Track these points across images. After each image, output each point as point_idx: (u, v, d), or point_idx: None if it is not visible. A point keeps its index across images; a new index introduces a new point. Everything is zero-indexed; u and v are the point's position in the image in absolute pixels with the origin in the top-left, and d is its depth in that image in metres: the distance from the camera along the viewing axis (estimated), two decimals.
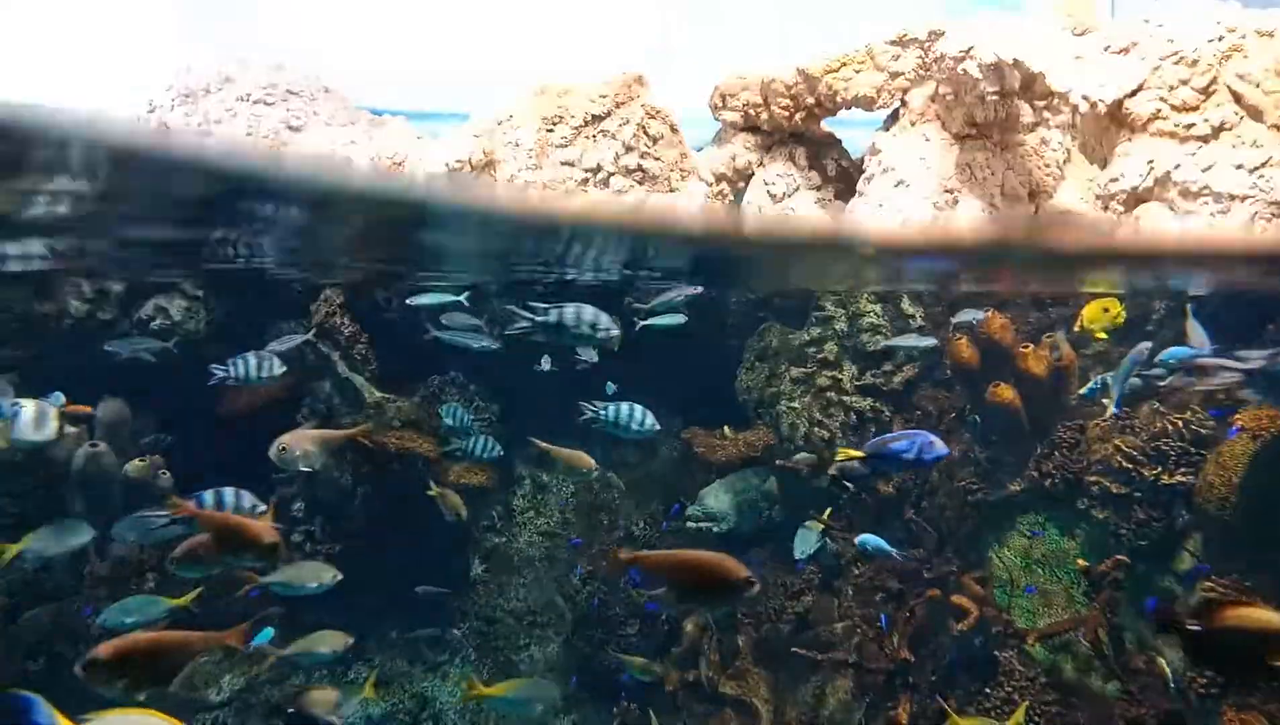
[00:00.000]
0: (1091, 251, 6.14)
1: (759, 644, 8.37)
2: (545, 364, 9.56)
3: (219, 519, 5.69)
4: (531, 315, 5.85)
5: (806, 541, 7.66)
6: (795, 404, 9.06)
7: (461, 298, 9.12)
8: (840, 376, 8.92)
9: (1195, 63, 5.55)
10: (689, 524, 9.23)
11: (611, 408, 7.15)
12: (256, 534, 5.46)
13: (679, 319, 8.67)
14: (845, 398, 8.83)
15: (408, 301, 8.96)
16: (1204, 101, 5.59)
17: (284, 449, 6.16)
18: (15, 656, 7.57)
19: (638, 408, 7.16)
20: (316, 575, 6.56)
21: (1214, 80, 5.55)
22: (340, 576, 6.78)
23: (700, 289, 8.53)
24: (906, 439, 5.90)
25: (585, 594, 9.47)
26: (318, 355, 9.16)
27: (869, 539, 7.18)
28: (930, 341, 8.22)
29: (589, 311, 5.62)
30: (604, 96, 6.79)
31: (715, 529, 9.11)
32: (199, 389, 7.61)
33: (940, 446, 5.81)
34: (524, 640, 9.81)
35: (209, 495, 6.09)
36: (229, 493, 6.03)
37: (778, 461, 8.62)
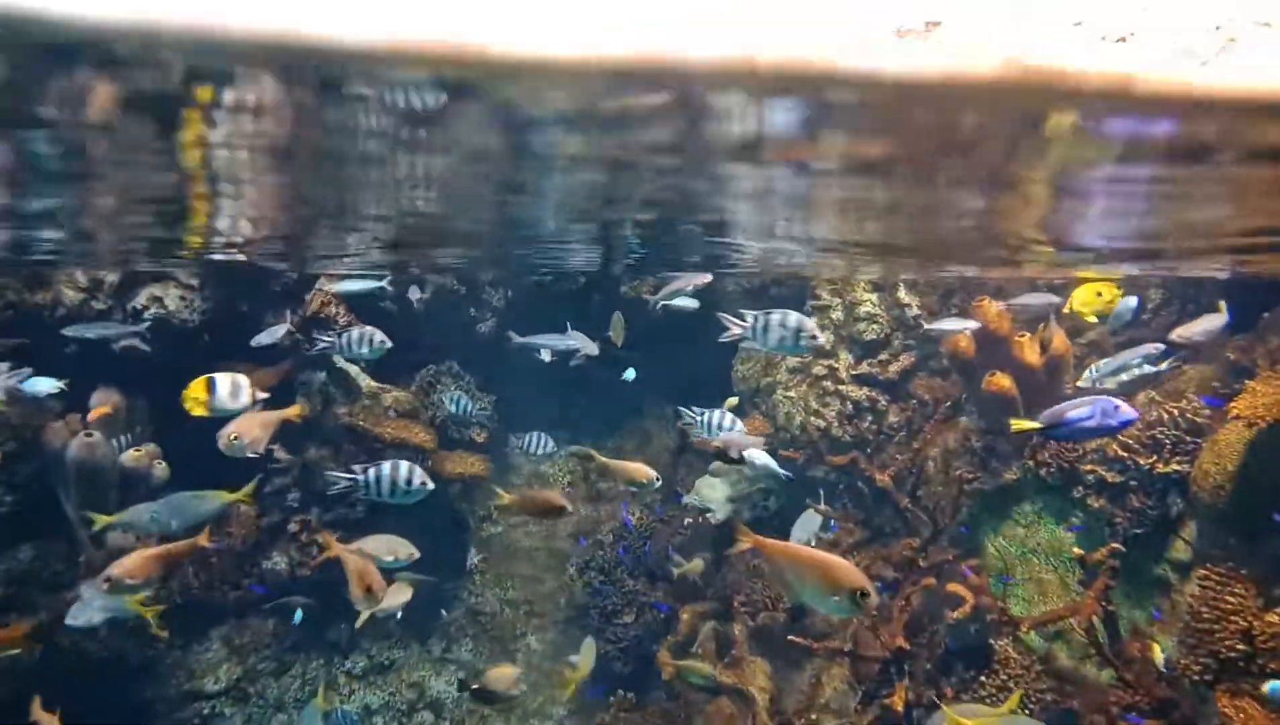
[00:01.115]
0: None
1: (755, 633, 8.38)
2: (545, 356, 9.54)
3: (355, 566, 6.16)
4: (741, 323, 5.94)
5: (808, 527, 7.62)
6: (791, 393, 9.05)
7: (383, 284, 9.02)
8: (836, 365, 8.91)
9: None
10: (685, 512, 9.24)
11: (703, 416, 7.16)
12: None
13: (693, 303, 8.64)
14: (841, 387, 8.82)
15: (333, 289, 8.85)
16: None
17: (235, 437, 6.13)
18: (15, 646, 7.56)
19: (728, 414, 7.15)
20: (394, 549, 6.60)
21: None
22: (416, 555, 6.84)
23: (710, 277, 8.48)
24: (1088, 405, 5.45)
25: (582, 584, 9.48)
26: (313, 345, 9.15)
27: (757, 457, 7.36)
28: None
29: (794, 317, 5.64)
30: None
31: (712, 518, 9.12)
32: (193, 377, 7.59)
33: (1127, 411, 5.34)
34: (521, 629, 9.83)
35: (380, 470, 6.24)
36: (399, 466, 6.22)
37: (779, 451, 8.61)
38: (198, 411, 6.26)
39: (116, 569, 5.73)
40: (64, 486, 7.98)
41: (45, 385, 7.36)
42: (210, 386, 6.17)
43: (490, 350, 10.17)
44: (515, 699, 7.08)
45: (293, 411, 6.84)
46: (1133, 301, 7.28)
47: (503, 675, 6.67)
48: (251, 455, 6.29)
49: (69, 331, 7.78)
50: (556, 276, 10.21)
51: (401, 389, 9.62)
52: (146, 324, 8.27)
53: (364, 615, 6.46)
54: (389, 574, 6.62)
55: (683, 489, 9.42)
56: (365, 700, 9.27)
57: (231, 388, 6.27)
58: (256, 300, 8.98)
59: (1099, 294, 7.04)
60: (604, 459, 7.53)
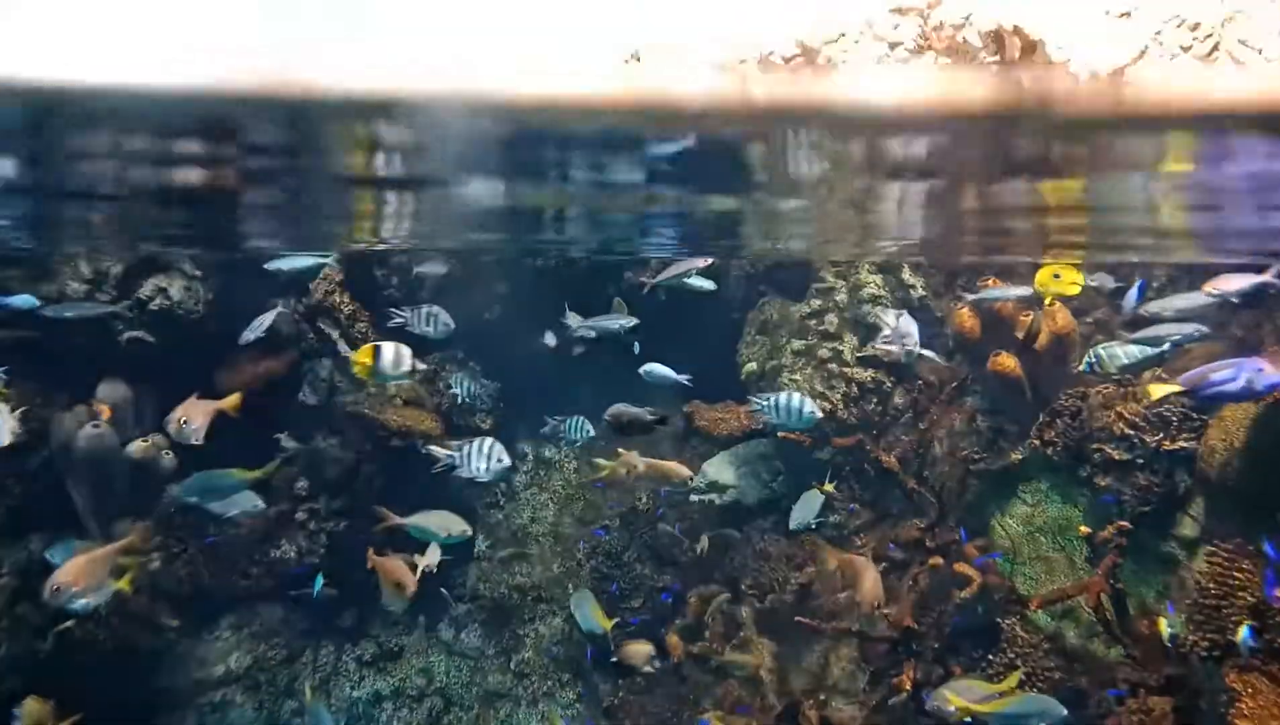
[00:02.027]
0: None
1: (763, 615, 8.40)
2: (549, 340, 9.54)
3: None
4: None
5: (808, 509, 7.57)
6: (797, 376, 9.05)
7: (329, 261, 8.88)
8: (841, 348, 8.90)
9: (1197, 26, 5.50)
10: (692, 497, 9.25)
11: (773, 398, 7.14)
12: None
13: (709, 285, 8.60)
14: (846, 369, 8.81)
15: (265, 266, 8.61)
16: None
17: (185, 421, 6.47)
18: (23, 634, 7.61)
19: (795, 396, 7.11)
20: (447, 525, 6.73)
21: (1216, 46, 5.50)
22: (469, 532, 6.95)
23: (712, 260, 8.43)
24: (1231, 367, 5.23)
25: (590, 568, 9.50)
26: (318, 333, 9.16)
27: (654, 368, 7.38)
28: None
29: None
30: None
31: (718, 501, 9.14)
32: (199, 367, 7.62)
33: (1273, 373, 5.13)
34: (529, 615, 9.85)
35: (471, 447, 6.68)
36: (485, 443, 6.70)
37: (780, 433, 8.61)
38: (363, 376, 6.77)
39: (60, 578, 5.96)
40: (72, 477, 8.02)
41: None
42: (376, 353, 6.58)
43: (494, 337, 10.16)
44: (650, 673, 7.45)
45: (230, 402, 6.99)
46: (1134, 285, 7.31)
47: (640, 651, 6.80)
48: (195, 442, 6.57)
49: (48, 311, 7.72)
50: (559, 262, 10.19)
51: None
52: (126, 303, 8.23)
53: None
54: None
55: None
56: (375, 687, 9.32)
57: (394, 356, 6.64)
58: (261, 289, 8.98)
59: (1056, 276, 7.04)
60: (639, 459, 7.46)
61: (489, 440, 6.57)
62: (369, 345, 6.64)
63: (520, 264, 10.33)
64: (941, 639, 7.03)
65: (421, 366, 6.88)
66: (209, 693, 8.80)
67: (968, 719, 5.53)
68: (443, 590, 9.18)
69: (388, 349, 6.62)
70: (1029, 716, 5.50)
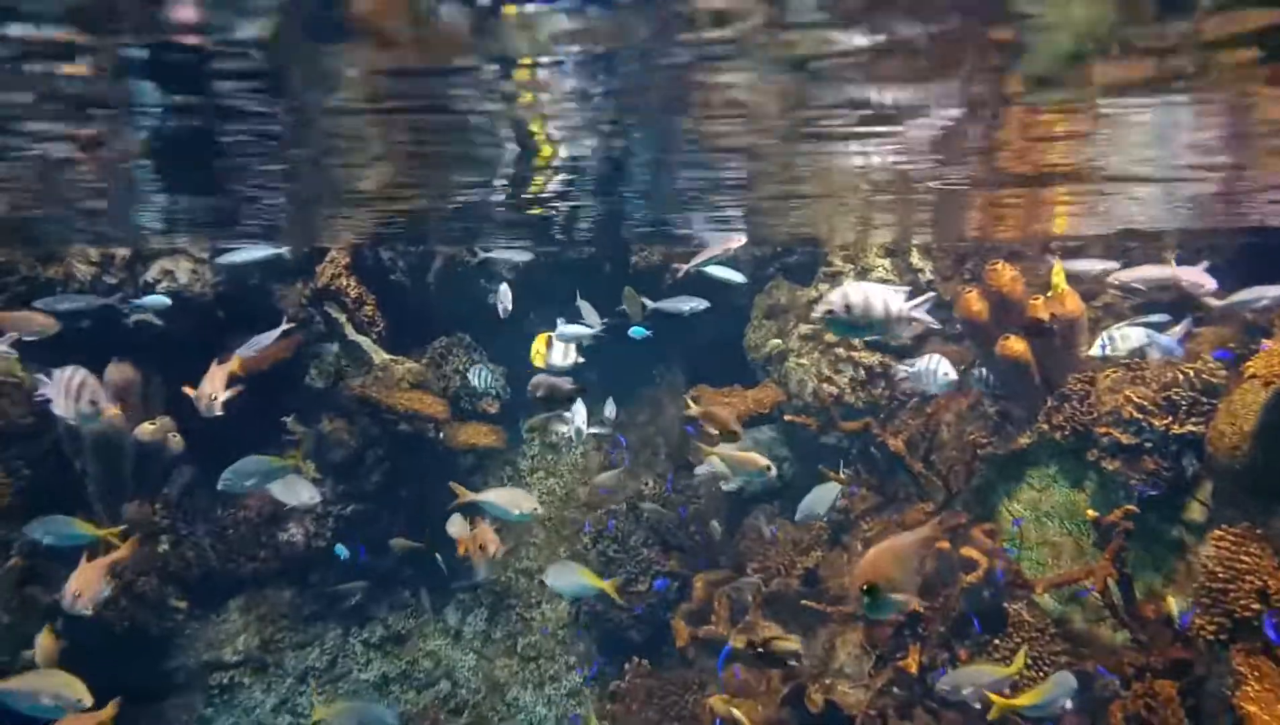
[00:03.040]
0: None
1: (769, 599, 8.40)
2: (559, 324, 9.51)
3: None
4: None
5: (820, 503, 7.45)
6: (804, 360, 9.03)
7: (284, 251, 8.78)
8: None
9: None
10: (697, 481, 9.25)
11: (916, 363, 7.14)
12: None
13: (738, 277, 8.56)
14: (854, 353, 8.79)
15: (218, 260, 8.57)
16: None
17: (213, 397, 6.59)
18: (33, 615, 7.65)
19: (934, 358, 7.09)
20: (518, 502, 6.82)
21: None
22: (540, 510, 7.03)
23: (744, 239, 8.36)
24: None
25: (596, 553, 9.51)
26: (324, 317, 9.17)
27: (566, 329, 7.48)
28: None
29: None
30: None
31: (724, 486, 9.13)
32: (205, 350, 7.62)
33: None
34: (536, 598, 9.88)
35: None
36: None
37: (786, 416, 8.60)
38: (539, 363, 7.51)
39: (74, 586, 6.28)
40: (81, 459, 8.06)
41: None
42: (549, 344, 7.41)
43: (501, 322, 10.16)
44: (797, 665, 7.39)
45: (234, 364, 7.03)
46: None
47: (789, 643, 6.76)
48: (219, 412, 6.62)
49: (39, 304, 7.74)
50: (566, 247, 10.18)
51: (413, 361, 9.64)
52: (119, 295, 8.23)
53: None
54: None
55: (695, 458, 9.42)
56: (382, 670, 9.36)
57: (564, 350, 7.50)
58: (267, 273, 9.00)
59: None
60: (710, 449, 7.38)
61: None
62: (545, 334, 7.33)
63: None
64: (948, 623, 7.01)
65: (579, 360, 7.54)
66: (217, 674, 8.86)
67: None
68: (436, 556, 9.09)
69: (559, 343, 7.34)
70: (1057, 698, 5.57)
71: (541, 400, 8.05)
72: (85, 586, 6.31)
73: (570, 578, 7.04)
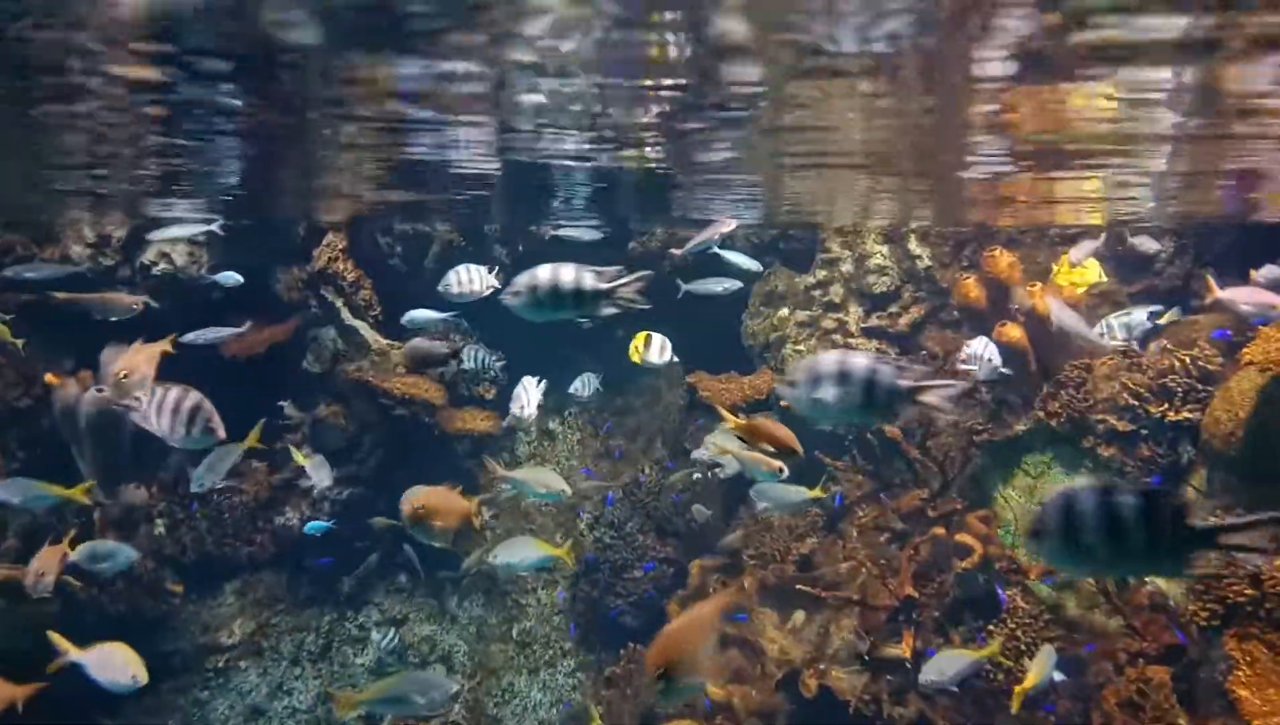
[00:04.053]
0: None
1: (764, 585, 8.40)
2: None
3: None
4: None
5: (786, 501, 7.37)
6: (800, 348, 9.02)
7: (215, 227, 8.63)
8: (846, 319, 8.87)
9: None
10: (694, 469, 9.24)
11: (971, 347, 7.10)
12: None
13: (755, 265, 8.53)
14: (851, 340, 8.79)
15: (147, 237, 8.44)
16: None
17: (125, 375, 6.02)
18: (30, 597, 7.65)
19: (985, 343, 7.03)
20: (547, 482, 6.86)
21: None
22: (569, 491, 7.00)
23: (735, 224, 8.33)
24: None
25: (592, 539, 9.52)
26: (320, 301, 9.16)
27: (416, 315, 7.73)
28: None
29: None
30: None
31: (721, 474, 9.12)
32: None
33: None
34: (532, 585, 9.89)
35: None
36: None
37: (783, 402, 8.59)
38: (636, 359, 7.57)
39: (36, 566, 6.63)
40: (77, 441, 8.05)
41: None
42: (648, 341, 7.49)
43: (496, 307, 10.14)
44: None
45: (167, 344, 6.68)
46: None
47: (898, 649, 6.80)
48: (140, 394, 6.12)
49: (8, 272, 7.74)
50: (564, 230, 10.16)
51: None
52: (85, 266, 8.18)
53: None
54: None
55: (691, 445, 9.41)
56: (378, 654, 9.36)
57: (660, 346, 7.53)
58: (264, 255, 8.98)
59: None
60: (731, 449, 7.32)
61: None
62: (644, 332, 7.47)
63: (521, 231, 10.31)
64: (942, 608, 7.02)
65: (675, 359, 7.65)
66: (213, 658, 8.87)
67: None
68: (406, 547, 9.09)
69: (656, 339, 7.46)
70: (1049, 671, 5.71)
71: (419, 363, 8.11)
72: (47, 569, 6.59)
73: (523, 551, 7.03)
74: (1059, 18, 3.13)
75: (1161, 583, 6.33)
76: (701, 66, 3.88)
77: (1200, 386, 6.79)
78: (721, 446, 7.54)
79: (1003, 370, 6.98)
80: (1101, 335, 7.30)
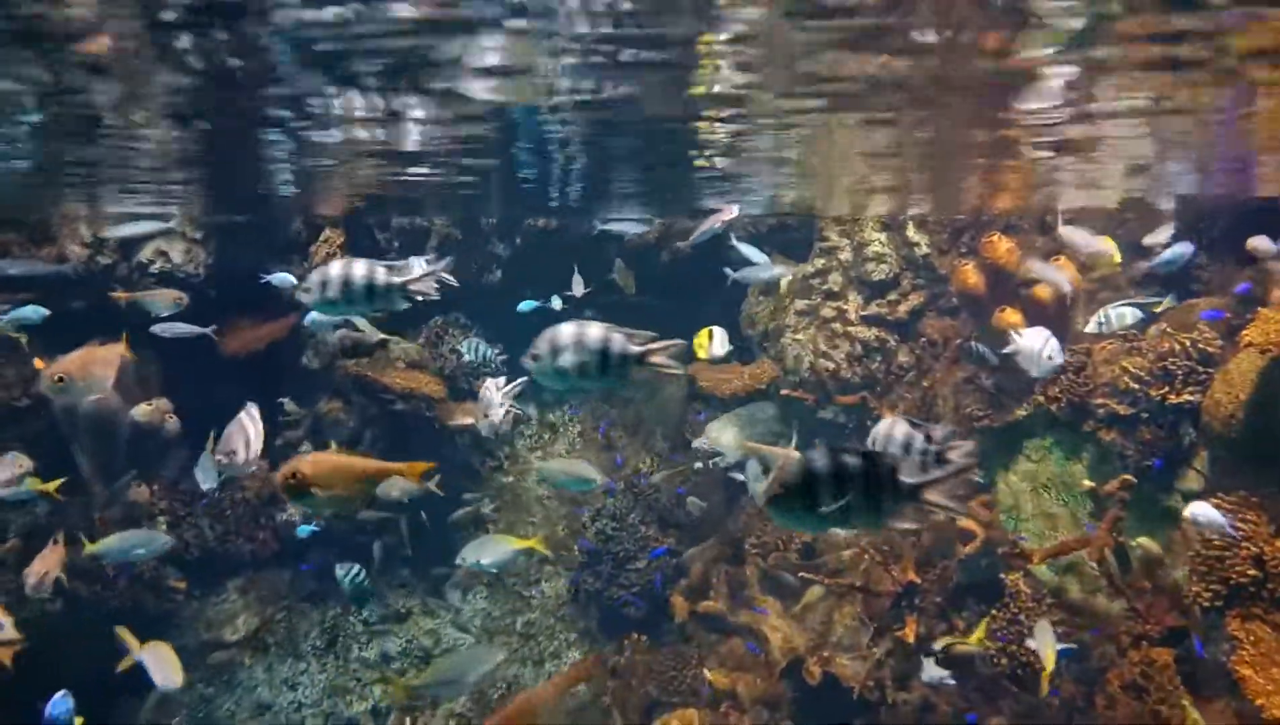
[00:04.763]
0: None
1: (767, 573, 8.42)
2: (556, 304, 9.49)
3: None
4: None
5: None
6: (800, 336, 9.02)
7: (172, 224, 8.59)
8: (845, 307, 8.86)
9: None
10: (695, 459, 9.25)
11: (1024, 336, 6.92)
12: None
13: (764, 260, 8.52)
14: (850, 328, 8.78)
15: (104, 233, 8.34)
16: None
17: (60, 379, 5.60)
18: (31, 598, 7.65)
19: (1043, 335, 6.62)
20: (579, 472, 6.96)
21: None
22: (600, 480, 7.06)
23: (737, 211, 8.30)
24: None
25: (594, 531, 9.52)
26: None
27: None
28: None
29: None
30: None
31: (721, 463, 9.13)
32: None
33: None
34: (535, 576, 9.90)
35: None
36: None
37: (783, 391, 8.61)
38: (701, 355, 7.60)
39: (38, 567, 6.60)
40: (78, 440, 8.05)
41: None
42: (711, 336, 7.51)
43: (495, 301, 10.14)
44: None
45: (121, 346, 6.25)
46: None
47: (968, 645, 6.73)
48: (91, 397, 6.02)
49: None
50: (561, 224, 10.15)
51: (409, 340, 9.62)
52: (70, 264, 8.14)
53: None
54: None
55: (692, 435, 9.42)
56: (383, 648, 9.37)
57: (721, 339, 7.53)
58: (261, 252, 8.96)
59: None
60: (753, 445, 7.32)
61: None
62: (707, 328, 7.53)
63: (519, 225, 10.30)
64: (945, 594, 7.03)
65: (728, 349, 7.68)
66: (217, 654, 8.87)
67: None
68: (401, 525, 9.09)
69: (719, 333, 7.47)
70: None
71: (349, 352, 8.13)
72: (48, 569, 6.60)
73: (492, 550, 6.92)
74: None
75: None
76: None
77: (1200, 369, 6.78)
78: (750, 446, 7.67)
79: (1058, 362, 6.61)
80: (1100, 325, 7.28)
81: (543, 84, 4.54)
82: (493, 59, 4.08)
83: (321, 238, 9.07)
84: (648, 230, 10.14)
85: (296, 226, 9.15)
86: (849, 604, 7.76)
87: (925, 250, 8.74)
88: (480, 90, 4.61)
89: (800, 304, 9.12)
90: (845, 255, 9.01)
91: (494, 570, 7.25)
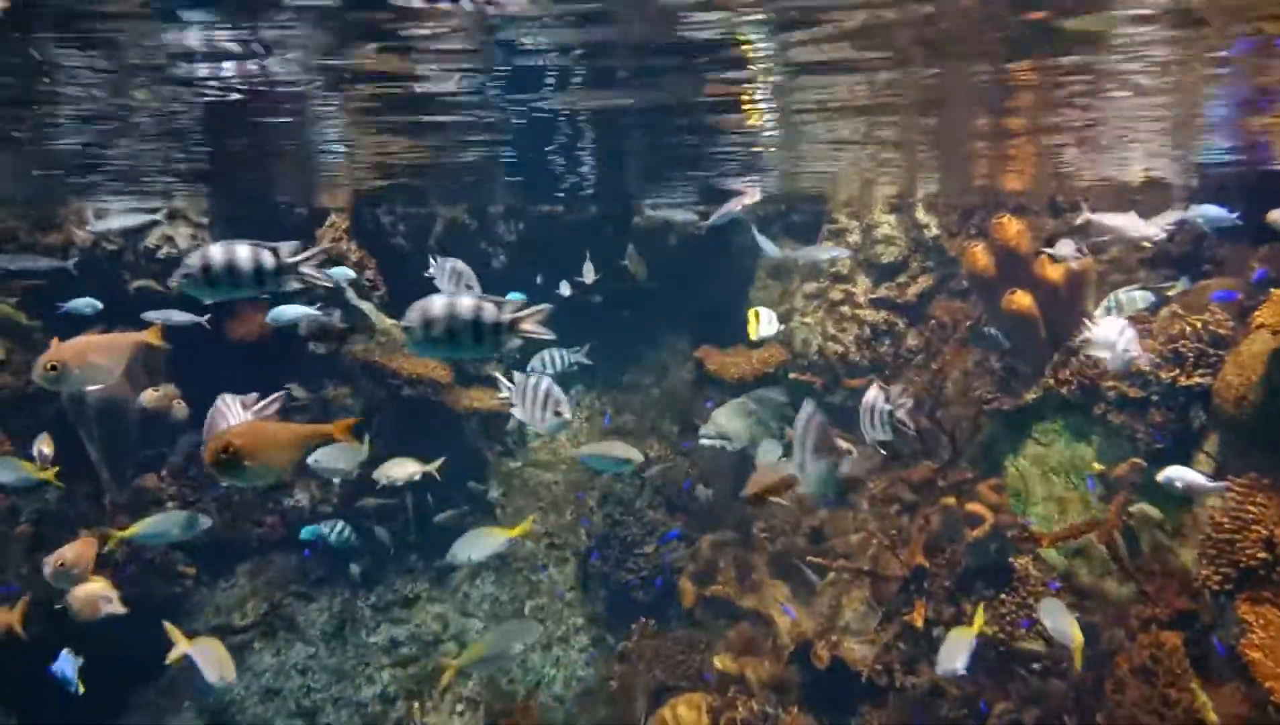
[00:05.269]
0: None
1: (775, 558, 8.41)
2: (565, 290, 9.47)
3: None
4: None
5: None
6: (808, 319, 8.97)
7: (158, 216, 8.53)
8: (854, 290, 8.81)
9: None
10: (702, 442, 9.22)
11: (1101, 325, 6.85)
12: None
13: (844, 253, 8.56)
14: (859, 311, 8.73)
15: (88, 227, 8.26)
16: None
17: (52, 367, 5.13)
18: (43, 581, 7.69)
19: (1122, 327, 6.26)
20: (615, 452, 6.83)
21: None
22: (638, 459, 6.96)
23: (759, 194, 8.26)
24: None
25: (601, 516, 9.52)
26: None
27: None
28: None
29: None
30: None
31: (729, 447, 9.10)
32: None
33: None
34: (543, 562, 9.91)
35: None
36: None
37: (792, 374, 8.57)
38: (754, 336, 7.64)
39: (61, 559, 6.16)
40: (86, 427, 8.07)
41: None
42: (758, 317, 7.55)
43: (503, 285, 10.12)
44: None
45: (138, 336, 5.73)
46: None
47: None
48: (92, 387, 5.64)
49: None
50: (568, 208, 10.12)
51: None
52: (75, 260, 8.13)
53: None
54: None
55: (700, 421, 9.38)
56: (390, 634, 9.39)
57: (769, 318, 7.55)
58: (268, 238, 8.93)
59: None
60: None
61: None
62: (755, 309, 7.55)
63: (528, 211, 10.27)
64: (954, 578, 7.00)
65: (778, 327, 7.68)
66: (226, 639, 8.89)
67: None
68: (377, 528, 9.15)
69: (765, 312, 7.51)
70: None
71: (313, 336, 8.14)
72: (76, 562, 6.28)
73: (479, 544, 6.86)
74: None
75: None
76: None
77: (1211, 351, 6.72)
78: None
79: (1140, 364, 6.35)
80: (1109, 310, 7.22)
81: None
82: None
83: (327, 222, 9.06)
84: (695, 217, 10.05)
85: (302, 211, 9.13)
86: (857, 588, 7.75)
87: (935, 232, 8.69)
88: None
89: (809, 287, 9.08)
90: (854, 237, 8.95)
91: (480, 560, 7.24)
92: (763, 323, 7.57)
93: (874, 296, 8.77)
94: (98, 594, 6.46)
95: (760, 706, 7.24)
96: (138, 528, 6.53)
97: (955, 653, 5.80)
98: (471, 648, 6.85)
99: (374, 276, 9.24)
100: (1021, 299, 7.51)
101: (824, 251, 8.50)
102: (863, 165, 8.08)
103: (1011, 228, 7.76)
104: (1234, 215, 6.98)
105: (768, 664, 7.68)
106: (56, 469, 6.88)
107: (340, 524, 7.88)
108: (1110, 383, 7.16)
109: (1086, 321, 6.45)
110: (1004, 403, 7.74)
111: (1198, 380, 6.72)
